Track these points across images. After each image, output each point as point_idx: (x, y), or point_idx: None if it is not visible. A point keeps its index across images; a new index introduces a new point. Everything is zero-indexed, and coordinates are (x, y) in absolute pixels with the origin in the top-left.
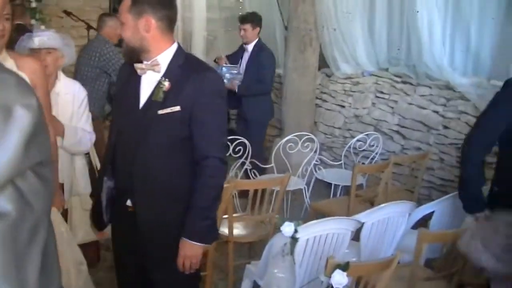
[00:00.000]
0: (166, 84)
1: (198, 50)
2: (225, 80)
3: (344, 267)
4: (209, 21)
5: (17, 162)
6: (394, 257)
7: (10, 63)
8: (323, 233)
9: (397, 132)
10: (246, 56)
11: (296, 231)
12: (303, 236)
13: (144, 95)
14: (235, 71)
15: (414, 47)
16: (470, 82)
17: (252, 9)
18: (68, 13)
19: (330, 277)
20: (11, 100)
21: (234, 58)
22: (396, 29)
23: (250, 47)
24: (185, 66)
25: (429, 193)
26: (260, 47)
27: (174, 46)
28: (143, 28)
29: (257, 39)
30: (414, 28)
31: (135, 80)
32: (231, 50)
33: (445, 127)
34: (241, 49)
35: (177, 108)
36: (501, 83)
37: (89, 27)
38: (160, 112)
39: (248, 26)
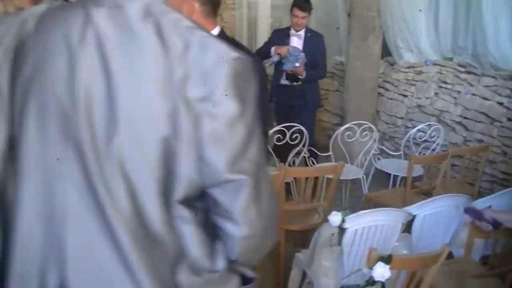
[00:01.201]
0: None
1: (263, 36)
2: (296, 64)
3: (387, 259)
4: (273, 7)
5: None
6: (442, 252)
7: None
8: (372, 224)
9: (460, 123)
10: (297, 42)
11: (343, 221)
12: (351, 227)
13: None
14: (301, 53)
15: (479, 36)
16: None
17: None
18: None
19: (372, 269)
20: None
21: (274, 45)
22: (461, 17)
23: (302, 33)
24: None
25: (491, 187)
26: (311, 32)
27: (216, 30)
28: (186, 11)
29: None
30: (479, 17)
31: None
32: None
33: (509, 120)
34: (283, 36)
35: None
36: None
37: None
38: None
39: (307, 14)
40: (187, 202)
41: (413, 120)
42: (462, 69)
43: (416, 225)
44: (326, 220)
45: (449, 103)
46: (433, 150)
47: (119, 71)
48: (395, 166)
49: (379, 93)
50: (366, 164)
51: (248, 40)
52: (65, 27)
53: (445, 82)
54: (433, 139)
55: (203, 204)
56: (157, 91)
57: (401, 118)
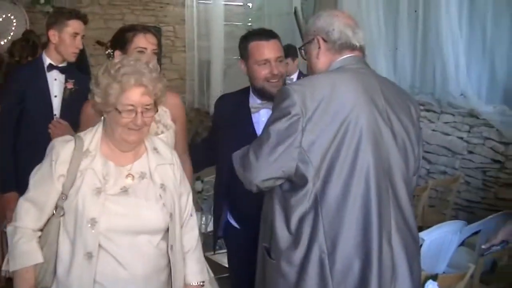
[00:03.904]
0: None
1: (217, 80)
2: None
3: (434, 278)
4: (227, 50)
5: None
6: (468, 270)
7: None
8: None
9: (422, 157)
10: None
11: None
12: None
13: None
14: None
15: (438, 76)
16: (494, 110)
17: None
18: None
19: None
20: None
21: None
22: (419, 58)
23: (295, 78)
24: None
25: (456, 214)
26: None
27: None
28: None
29: (297, 71)
30: (439, 57)
31: None
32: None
33: (470, 152)
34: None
35: None
36: None
37: None
38: None
39: (289, 60)
40: None
41: None
42: (422, 107)
43: (424, 249)
44: None
45: None
46: None
47: None
48: None
49: None
50: None
51: (199, 82)
52: None
53: None
54: None
55: None
56: None
57: None
